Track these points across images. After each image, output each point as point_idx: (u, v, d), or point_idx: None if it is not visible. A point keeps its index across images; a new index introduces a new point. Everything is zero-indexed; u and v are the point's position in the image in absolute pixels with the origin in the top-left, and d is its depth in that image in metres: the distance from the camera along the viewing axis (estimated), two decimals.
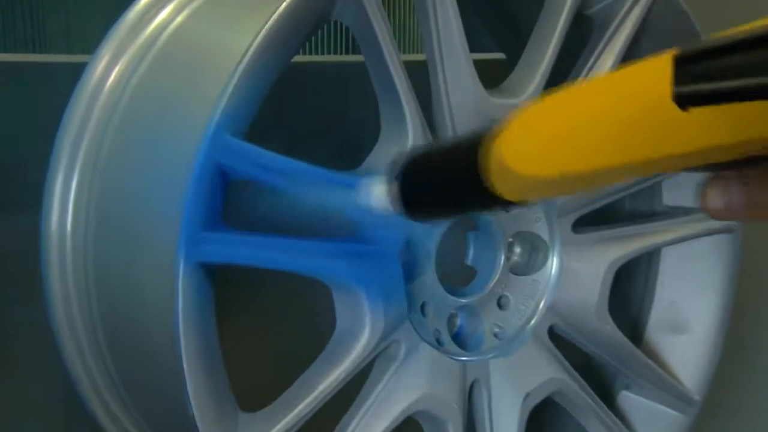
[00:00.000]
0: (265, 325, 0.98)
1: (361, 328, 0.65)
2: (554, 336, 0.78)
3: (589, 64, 0.75)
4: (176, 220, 0.55)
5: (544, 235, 0.77)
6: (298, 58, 0.93)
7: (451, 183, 0.50)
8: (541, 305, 0.77)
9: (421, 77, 0.68)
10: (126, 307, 0.62)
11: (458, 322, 0.76)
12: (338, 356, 0.65)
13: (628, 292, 0.93)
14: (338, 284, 0.66)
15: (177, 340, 0.56)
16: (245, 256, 0.59)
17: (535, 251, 0.78)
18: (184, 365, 0.56)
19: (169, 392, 0.60)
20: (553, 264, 0.77)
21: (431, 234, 0.70)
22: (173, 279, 0.55)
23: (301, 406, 0.62)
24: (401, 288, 0.67)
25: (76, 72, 0.67)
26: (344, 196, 0.58)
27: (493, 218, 0.75)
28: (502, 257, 0.76)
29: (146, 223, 0.59)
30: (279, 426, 0.61)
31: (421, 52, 0.68)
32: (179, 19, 0.67)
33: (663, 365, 0.88)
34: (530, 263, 0.78)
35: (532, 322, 0.77)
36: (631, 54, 0.77)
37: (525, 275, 0.77)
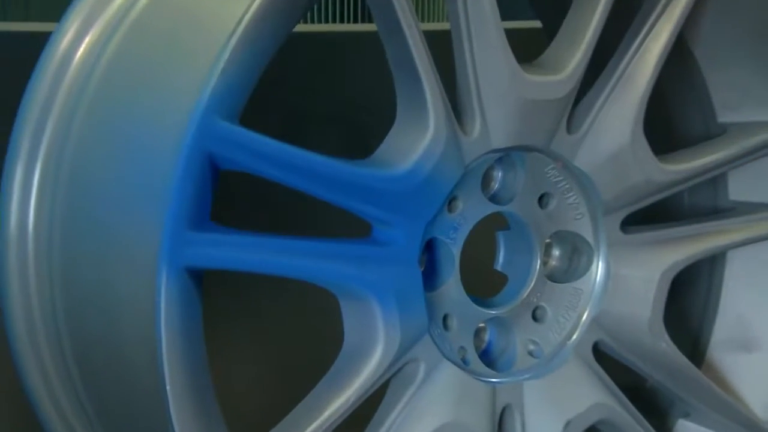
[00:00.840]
0: (261, 336, 0.98)
1: (373, 344, 0.65)
2: (600, 354, 0.78)
3: (642, 34, 0.74)
4: (158, 219, 0.55)
5: (588, 235, 0.77)
6: (301, 28, 0.93)
7: None
8: (584, 318, 0.77)
9: (443, 50, 0.68)
10: (99, 321, 0.61)
11: (486, 337, 0.76)
12: (347, 376, 0.65)
13: (688, 304, 0.92)
14: (347, 292, 0.65)
15: (160, 361, 0.55)
16: (240, 260, 0.58)
17: (576, 254, 0.78)
18: (168, 388, 0.56)
19: (149, 420, 0.60)
20: (599, 269, 0.77)
21: (455, 233, 0.70)
22: (155, 288, 0.55)
23: None
24: (420, 297, 0.67)
25: (38, 44, 0.66)
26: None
27: (527, 216, 0.75)
28: (538, 261, 0.76)
29: (123, 222, 0.59)
30: None
31: (444, 21, 0.68)
32: None
33: (729, 389, 0.88)
34: (571, 268, 0.78)
35: (574, 337, 0.76)
36: (692, 23, 0.77)
37: (565, 282, 0.77)
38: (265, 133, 0.58)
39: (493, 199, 0.73)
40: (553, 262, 0.77)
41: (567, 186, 0.76)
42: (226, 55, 0.55)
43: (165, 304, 0.55)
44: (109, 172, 0.61)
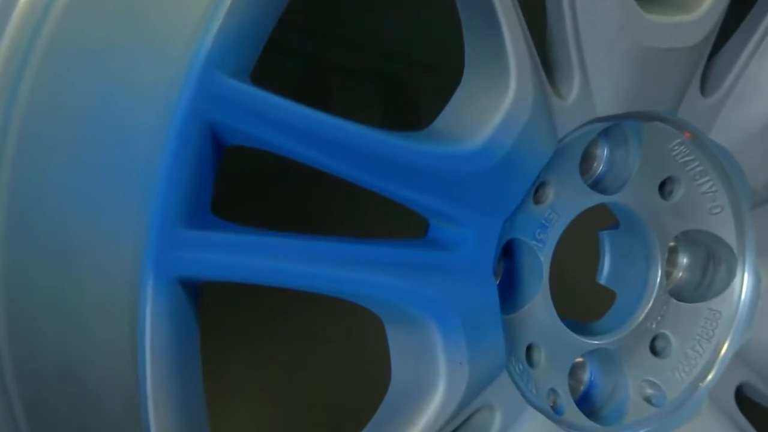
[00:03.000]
0: (267, 367, 1.00)
1: (431, 385, 0.66)
2: (745, 401, 0.78)
3: None
4: (142, 212, 0.55)
5: (729, 236, 0.77)
6: None
7: None
8: (724, 351, 0.77)
9: None
10: (56, 350, 0.62)
11: (586, 377, 0.76)
12: (394, 428, 0.65)
13: None
14: (396, 314, 0.66)
15: (144, 409, 0.56)
16: (253, 269, 0.59)
17: (713, 263, 0.78)
18: None
19: None
20: (744, 284, 0.77)
21: (544, 233, 0.71)
22: (136, 308, 0.55)
23: None
24: (496, 321, 0.67)
25: None
26: None
27: (644, 210, 0.75)
28: (659, 273, 0.75)
29: (91, 215, 0.59)
30: None
31: None
32: None
33: None
34: (705, 283, 0.78)
35: (709, 378, 0.76)
36: None
37: (696, 302, 0.77)
38: (284, 94, 0.59)
39: (597, 186, 0.73)
40: (679, 274, 0.78)
41: (700, 168, 0.76)
42: None
43: (151, 329, 0.56)
44: (72, 147, 0.61)
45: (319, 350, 1.00)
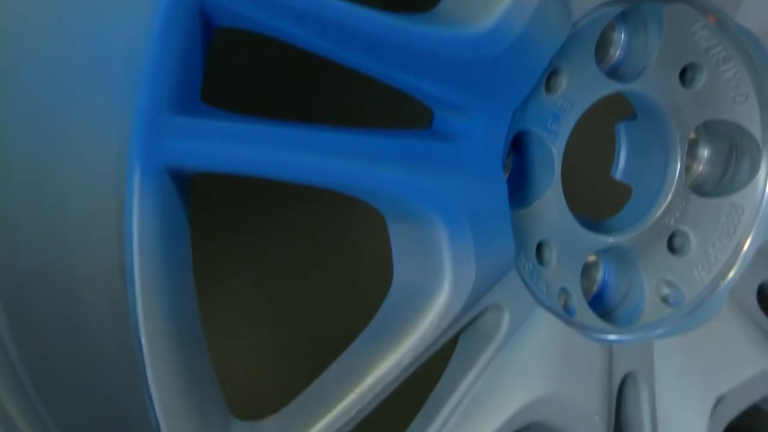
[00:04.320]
0: (273, 278, 1.00)
1: (435, 284, 0.66)
2: (767, 301, 0.79)
3: None
4: (126, 97, 0.55)
5: (754, 126, 0.76)
6: None
7: None
8: (746, 248, 0.77)
9: None
10: (36, 250, 0.62)
11: (600, 276, 0.77)
12: (398, 329, 0.65)
13: None
14: (398, 209, 0.65)
15: (132, 306, 0.56)
16: (246, 158, 0.58)
17: (736, 156, 0.78)
18: (145, 353, 0.56)
19: (117, 396, 0.61)
20: None
21: (557, 124, 0.70)
22: (122, 200, 0.55)
23: (336, 411, 0.63)
24: (505, 217, 0.67)
25: None
26: None
27: (663, 98, 0.74)
28: (678, 166, 0.75)
29: (73, 106, 0.58)
30: None
31: None
32: None
33: None
34: (727, 176, 0.78)
35: (730, 276, 0.77)
36: None
37: (718, 197, 0.77)
38: None
39: (613, 73, 0.73)
40: (700, 168, 0.78)
41: (724, 54, 0.75)
42: None
43: (138, 225, 0.55)
44: (51, 29, 0.61)
45: (318, 250, 1.00)
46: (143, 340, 0.56)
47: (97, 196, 0.57)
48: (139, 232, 0.55)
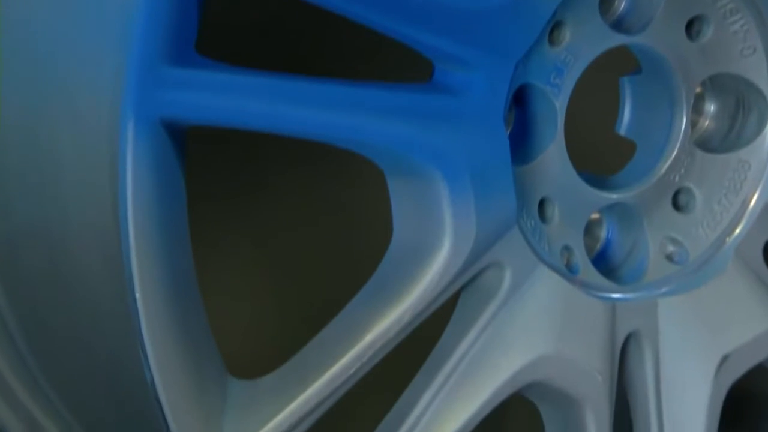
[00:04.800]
0: (271, 237, 1.00)
1: (435, 241, 0.65)
2: None
3: None
4: (120, 46, 0.54)
5: (761, 80, 0.76)
6: None
7: None
8: (752, 204, 0.77)
9: None
10: (32, 208, 0.61)
11: (603, 234, 0.77)
12: (397, 286, 0.65)
13: None
14: (397, 164, 0.65)
15: (127, 266, 0.55)
16: (239, 111, 0.58)
17: (743, 110, 0.77)
18: (140, 309, 0.56)
19: (112, 355, 0.61)
20: None
21: (560, 78, 0.70)
22: (116, 152, 0.54)
23: (334, 369, 0.63)
24: (507, 173, 0.67)
25: None
26: None
27: (669, 51, 0.73)
28: (684, 121, 0.75)
29: (64, 57, 0.58)
30: (299, 401, 0.62)
31: None
32: None
33: None
34: (734, 132, 0.77)
35: (736, 233, 0.77)
36: None
37: (724, 152, 0.77)
38: None
39: (618, 25, 0.72)
40: (706, 123, 0.77)
41: (731, 6, 0.74)
42: None
43: (132, 178, 0.55)
44: None
45: (316, 208, 1.00)
46: (138, 295, 0.56)
47: (91, 148, 0.57)
48: (134, 184, 0.55)
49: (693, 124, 0.76)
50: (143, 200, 0.55)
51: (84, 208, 0.58)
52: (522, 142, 0.71)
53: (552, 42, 0.69)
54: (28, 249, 0.64)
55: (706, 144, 0.77)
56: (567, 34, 0.69)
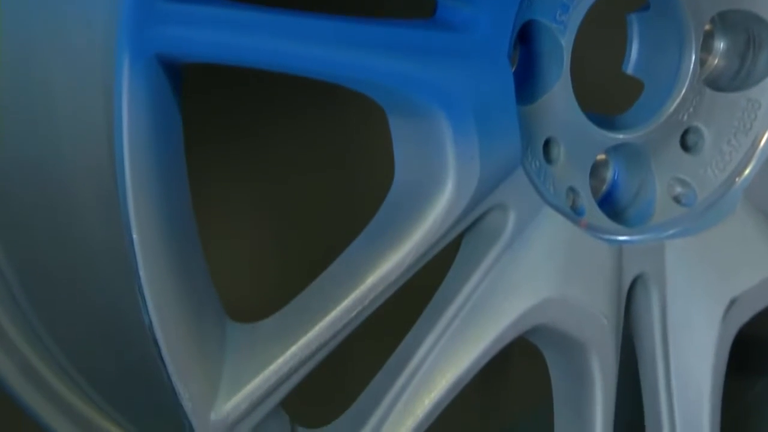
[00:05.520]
0: (271, 180, 1.00)
1: (438, 182, 0.65)
2: None
3: None
4: None
5: None
6: None
7: None
8: (762, 144, 0.77)
9: None
10: (25, 146, 0.61)
11: (610, 175, 0.77)
12: (399, 229, 0.65)
13: None
14: (399, 103, 0.64)
15: (123, 206, 0.55)
16: (236, 47, 0.57)
17: (753, 48, 0.77)
18: (137, 250, 0.56)
19: (108, 299, 0.61)
20: None
21: (566, 14, 0.69)
22: (112, 92, 0.54)
23: (335, 313, 0.63)
24: (511, 112, 0.66)
25: None
26: None
27: None
28: (693, 59, 0.74)
29: None
30: (300, 344, 0.62)
31: None
32: None
33: None
34: (744, 70, 0.77)
35: (745, 174, 0.77)
36: None
37: (734, 91, 0.77)
38: None
39: None
40: (715, 61, 0.77)
41: None
42: None
43: (128, 115, 0.54)
44: None
45: (317, 149, 1.00)
46: (135, 237, 0.55)
47: (85, 84, 0.56)
48: (129, 122, 0.54)
49: (702, 62, 0.75)
50: (139, 138, 0.55)
51: (78, 147, 0.58)
52: (527, 81, 0.70)
53: None
54: (20, 188, 0.63)
55: (715, 82, 0.76)
56: None
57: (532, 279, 0.70)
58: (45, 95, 0.59)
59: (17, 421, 0.74)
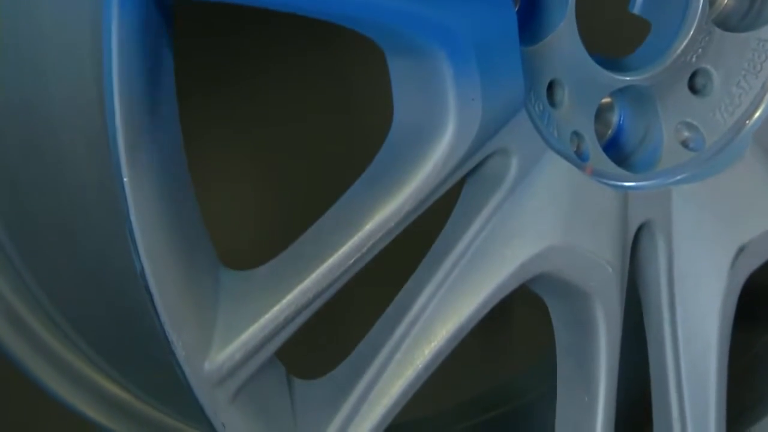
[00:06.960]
0: (269, 124, 0.99)
1: (438, 124, 0.65)
2: None
3: None
4: None
5: None
6: None
7: None
8: None
9: None
10: (9, 81, 0.61)
11: (615, 119, 0.77)
12: (398, 173, 0.65)
13: None
14: (398, 41, 0.64)
15: (113, 148, 0.54)
16: None
17: None
18: (128, 194, 0.55)
19: (99, 247, 0.61)
20: None
21: None
22: (99, 22, 0.53)
23: (332, 260, 0.62)
24: (514, 53, 0.66)
25: None
26: None
27: None
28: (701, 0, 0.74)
29: None
30: (296, 292, 0.61)
31: None
32: None
33: None
34: (754, 9, 0.77)
35: (755, 117, 0.76)
36: None
37: (744, 31, 0.76)
38: None
39: None
40: (724, 0, 0.77)
41: None
42: None
43: (117, 43, 0.53)
44: None
45: (315, 92, 0.99)
46: (126, 180, 0.55)
47: (72, 16, 0.56)
48: (119, 59, 0.53)
49: (711, 1, 0.75)
50: (129, 77, 0.54)
51: (66, 86, 0.57)
52: (531, 21, 0.70)
53: None
54: (6, 130, 0.63)
55: (724, 23, 0.76)
56: None
57: (535, 226, 0.69)
58: (31, 32, 0.59)
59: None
